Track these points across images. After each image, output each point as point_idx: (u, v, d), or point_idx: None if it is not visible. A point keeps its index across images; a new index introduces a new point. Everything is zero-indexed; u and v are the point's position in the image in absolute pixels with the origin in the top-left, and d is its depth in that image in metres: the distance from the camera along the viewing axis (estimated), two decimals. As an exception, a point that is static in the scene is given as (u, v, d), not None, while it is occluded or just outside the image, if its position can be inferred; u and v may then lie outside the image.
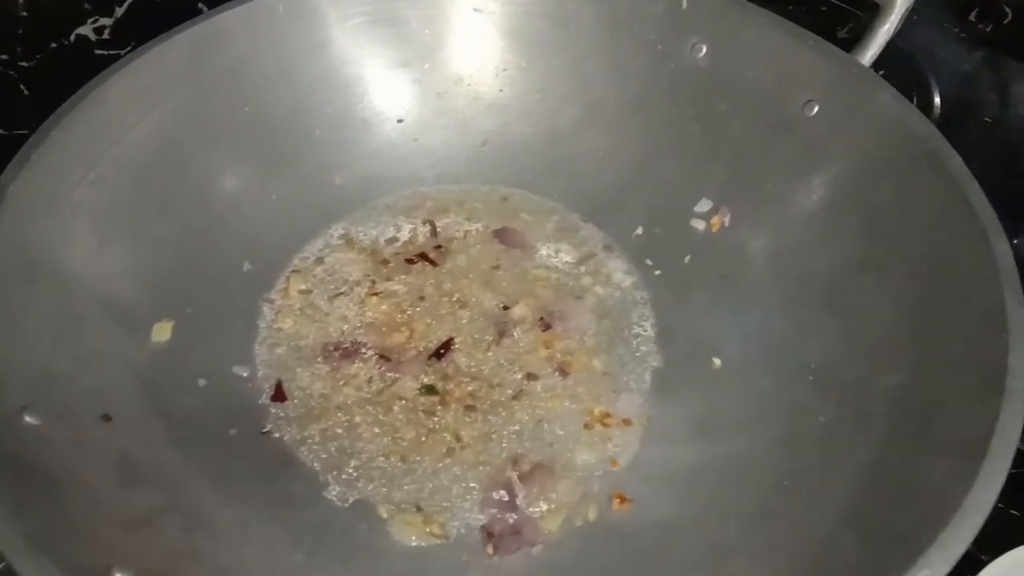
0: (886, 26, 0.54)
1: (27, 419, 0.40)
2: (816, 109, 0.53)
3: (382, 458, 0.49)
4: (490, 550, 0.46)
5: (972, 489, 0.35)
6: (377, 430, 0.51)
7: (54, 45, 0.59)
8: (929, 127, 0.48)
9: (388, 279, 0.58)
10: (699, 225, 0.58)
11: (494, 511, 0.47)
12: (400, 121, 0.63)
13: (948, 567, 0.33)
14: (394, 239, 0.60)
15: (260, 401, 0.51)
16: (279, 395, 0.51)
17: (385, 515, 0.47)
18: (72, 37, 0.60)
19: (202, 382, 0.50)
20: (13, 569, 0.34)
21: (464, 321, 0.56)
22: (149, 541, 0.39)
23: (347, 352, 0.54)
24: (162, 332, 0.50)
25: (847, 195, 0.51)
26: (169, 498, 0.42)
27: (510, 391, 0.53)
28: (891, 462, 0.41)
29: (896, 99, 0.50)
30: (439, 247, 0.60)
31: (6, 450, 0.38)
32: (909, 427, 0.41)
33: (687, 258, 0.58)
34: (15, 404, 0.40)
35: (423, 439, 0.50)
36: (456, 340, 0.55)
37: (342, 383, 0.53)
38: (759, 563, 0.42)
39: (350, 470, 0.49)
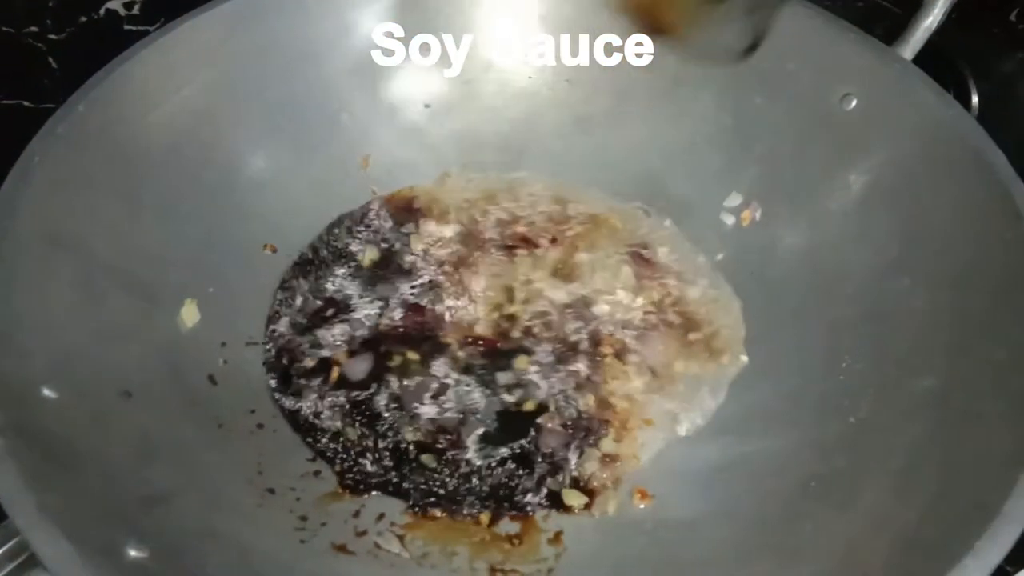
0: (928, 20, 0.53)
1: (46, 392, 0.39)
2: (854, 103, 0.52)
3: (411, 436, 0.49)
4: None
5: (1011, 496, 0.34)
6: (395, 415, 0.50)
7: (84, 19, 0.59)
8: (972, 124, 0.47)
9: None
10: (729, 220, 0.57)
11: (514, 502, 0.47)
12: (427, 106, 0.62)
13: (985, 575, 0.32)
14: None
15: (279, 382, 0.51)
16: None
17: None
18: (102, 11, 0.60)
19: (222, 362, 0.50)
20: (27, 543, 0.34)
21: (493, 305, 0.55)
22: (166, 519, 0.39)
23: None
24: (191, 315, 0.50)
25: (885, 193, 0.50)
26: (187, 476, 0.42)
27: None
28: (925, 467, 0.40)
29: (938, 94, 0.49)
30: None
31: (24, 423, 0.37)
32: (945, 432, 0.40)
33: (719, 256, 0.57)
34: (36, 377, 0.39)
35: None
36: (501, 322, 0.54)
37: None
38: (784, 567, 0.41)
39: (367, 454, 0.48)
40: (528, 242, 0.59)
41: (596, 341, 0.53)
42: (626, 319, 0.54)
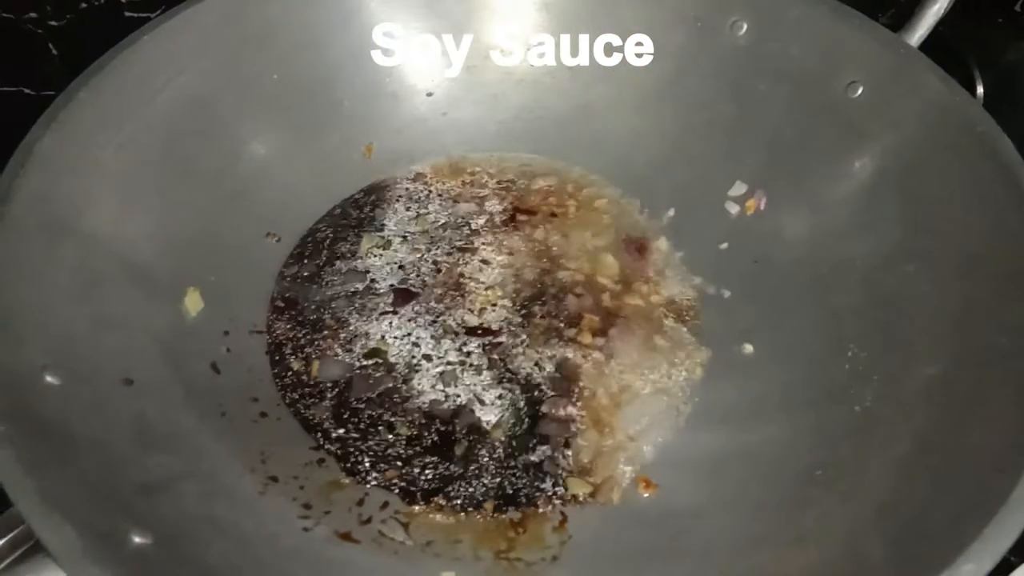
0: (935, 6, 0.52)
1: (48, 379, 0.39)
2: (860, 91, 0.51)
3: (409, 429, 0.49)
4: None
5: (1018, 483, 0.34)
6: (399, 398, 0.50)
7: (84, 5, 0.59)
8: (978, 109, 0.47)
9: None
10: (733, 208, 0.57)
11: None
12: (430, 95, 0.62)
13: (993, 562, 0.32)
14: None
15: (282, 370, 0.51)
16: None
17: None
18: (102, -2, 0.59)
19: (225, 350, 0.50)
20: (31, 530, 0.34)
21: (483, 288, 0.55)
22: (167, 506, 0.39)
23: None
24: (194, 304, 0.50)
25: (890, 180, 0.50)
26: (187, 464, 0.42)
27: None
28: (931, 454, 0.39)
29: (944, 81, 0.49)
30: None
31: (25, 409, 0.37)
32: (951, 418, 0.40)
33: (724, 245, 0.56)
34: (36, 363, 0.39)
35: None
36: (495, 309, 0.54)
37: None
38: (789, 555, 0.40)
39: (370, 444, 0.48)
40: (529, 212, 0.59)
41: (579, 329, 0.53)
42: (607, 308, 0.54)
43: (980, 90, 0.60)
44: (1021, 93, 0.60)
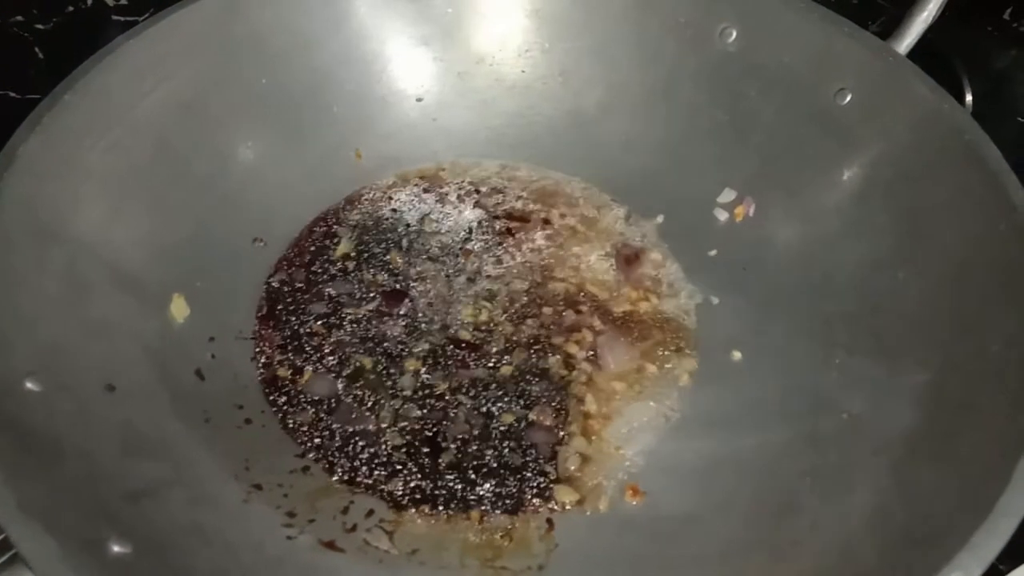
0: (924, 14, 0.52)
1: (30, 385, 0.38)
2: (849, 98, 0.52)
3: (396, 439, 0.48)
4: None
5: (1007, 490, 0.34)
6: (387, 411, 0.49)
7: (71, 9, 0.58)
8: (966, 118, 0.47)
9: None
10: (722, 215, 0.57)
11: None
12: (419, 100, 0.62)
13: (981, 570, 0.32)
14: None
15: (267, 378, 0.50)
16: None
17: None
18: (89, 1, 0.59)
19: (210, 356, 0.49)
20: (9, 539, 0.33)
21: (496, 299, 0.55)
22: (151, 513, 0.38)
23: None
24: (180, 310, 0.49)
25: (879, 187, 0.50)
26: (172, 471, 0.41)
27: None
28: (920, 462, 0.39)
29: (932, 89, 0.49)
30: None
31: (6, 416, 0.36)
32: (940, 426, 0.40)
33: (712, 252, 0.56)
34: (19, 369, 0.39)
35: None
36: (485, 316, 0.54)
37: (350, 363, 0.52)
38: (779, 562, 0.40)
39: (356, 451, 0.48)
40: (519, 219, 0.59)
41: (568, 337, 0.53)
42: (596, 316, 0.54)
43: (968, 98, 0.60)
44: (1009, 101, 0.60)
